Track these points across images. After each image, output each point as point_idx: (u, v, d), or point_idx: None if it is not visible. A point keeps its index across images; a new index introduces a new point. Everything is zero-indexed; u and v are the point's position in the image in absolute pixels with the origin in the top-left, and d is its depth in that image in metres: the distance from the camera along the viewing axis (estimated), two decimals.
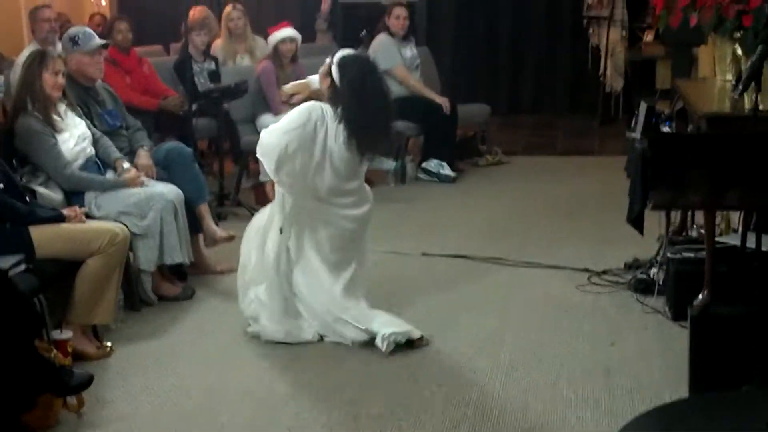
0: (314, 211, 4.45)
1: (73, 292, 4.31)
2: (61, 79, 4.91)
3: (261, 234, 4.52)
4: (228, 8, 8.24)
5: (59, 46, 6.75)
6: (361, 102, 4.34)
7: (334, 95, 4.39)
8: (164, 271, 5.10)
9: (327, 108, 4.38)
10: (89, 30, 5.56)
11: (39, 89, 4.83)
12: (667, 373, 3.99)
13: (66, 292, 4.32)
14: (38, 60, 4.89)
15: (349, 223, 4.49)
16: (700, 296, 3.85)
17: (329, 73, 4.41)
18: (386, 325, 4.33)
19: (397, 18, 8.06)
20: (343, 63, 4.39)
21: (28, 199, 4.46)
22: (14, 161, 4.82)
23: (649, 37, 9.86)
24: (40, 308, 3.98)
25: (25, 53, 5.93)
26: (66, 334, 4.11)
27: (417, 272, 5.48)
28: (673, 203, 3.74)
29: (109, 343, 4.41)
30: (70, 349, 4.07)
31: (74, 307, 4.31)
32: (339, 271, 4.48)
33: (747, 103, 4.14)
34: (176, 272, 5.20)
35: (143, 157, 5.31)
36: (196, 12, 8.59)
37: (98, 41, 5.45)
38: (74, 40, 5.36)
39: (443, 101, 7.96)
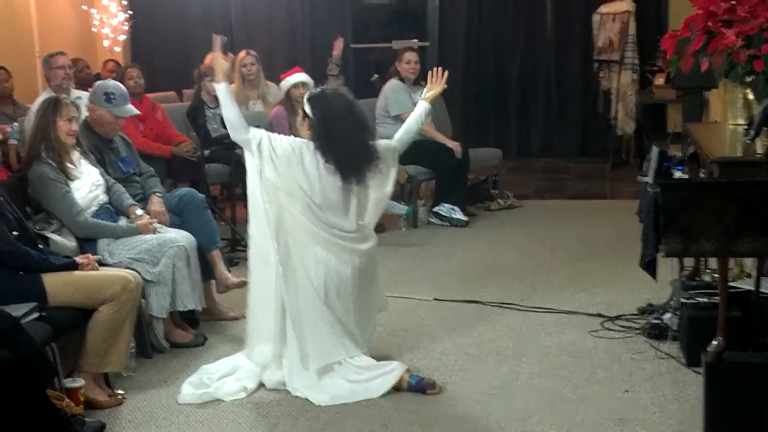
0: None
1: (85, 340, 4.29)
2: (75, 126, 4.94)
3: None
4: (241, 54, 8.30)
5: (73, 93, 6.82)
6: (334, 134, 4.39)
7: (312, 131, 4.45)
8: (176, 317, 5.10)
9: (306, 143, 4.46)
10: (126, 93, 5.51)
11: (53, 136, 4.87)
12: (681, 421, 3.96)
13: (78, 339, 4.31)
14: (52, 107, 4.92)
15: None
16: (714, 342, 3.83)
17: (304, 115, 4.48)
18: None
19: (408, 63, 8.09)
20: (311, 100, 4.46)
21: (41, 246, 4.47)
22: (28, 208, 4.85)
23: (660, 80, 9.83)
24: (52, 356, 3.98)
25: (39, 100, 5.95)
26: (78, 382, 4.12)
27: (429, 318, 5.46)
28: (686, 251, 3.73)
29: (121, 391, 4.40)
30: (81, 398, 4.07)
31: (86, 354, 4.30)
32: None
33: (759, 148, 4.13)
34: (188, 319, 5.19)
35: (156, 203, 5.34)
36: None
37: (131, 110, 5.50)
38: (109, 97, 5.34)
39: (455, 146, 7.98)
